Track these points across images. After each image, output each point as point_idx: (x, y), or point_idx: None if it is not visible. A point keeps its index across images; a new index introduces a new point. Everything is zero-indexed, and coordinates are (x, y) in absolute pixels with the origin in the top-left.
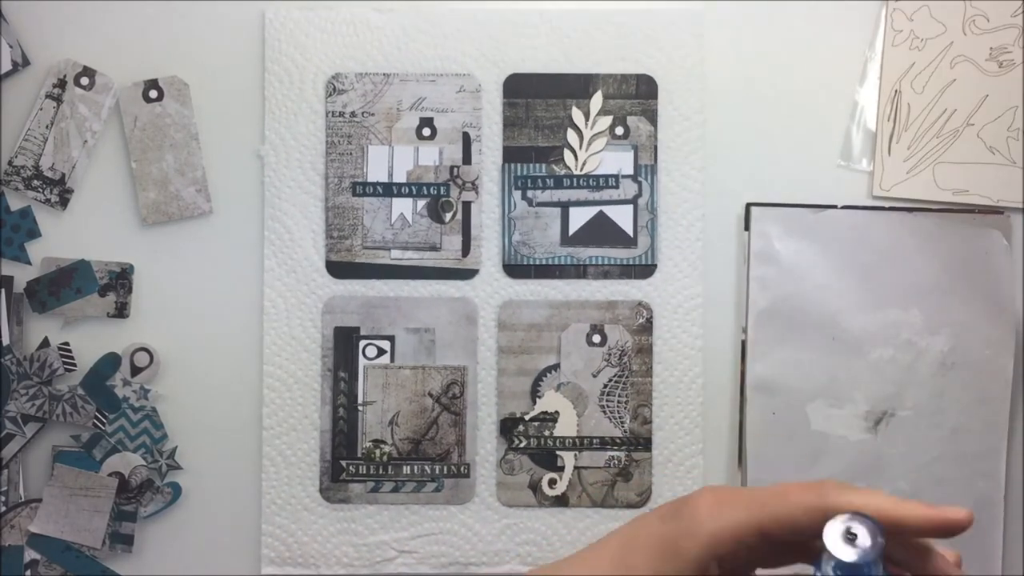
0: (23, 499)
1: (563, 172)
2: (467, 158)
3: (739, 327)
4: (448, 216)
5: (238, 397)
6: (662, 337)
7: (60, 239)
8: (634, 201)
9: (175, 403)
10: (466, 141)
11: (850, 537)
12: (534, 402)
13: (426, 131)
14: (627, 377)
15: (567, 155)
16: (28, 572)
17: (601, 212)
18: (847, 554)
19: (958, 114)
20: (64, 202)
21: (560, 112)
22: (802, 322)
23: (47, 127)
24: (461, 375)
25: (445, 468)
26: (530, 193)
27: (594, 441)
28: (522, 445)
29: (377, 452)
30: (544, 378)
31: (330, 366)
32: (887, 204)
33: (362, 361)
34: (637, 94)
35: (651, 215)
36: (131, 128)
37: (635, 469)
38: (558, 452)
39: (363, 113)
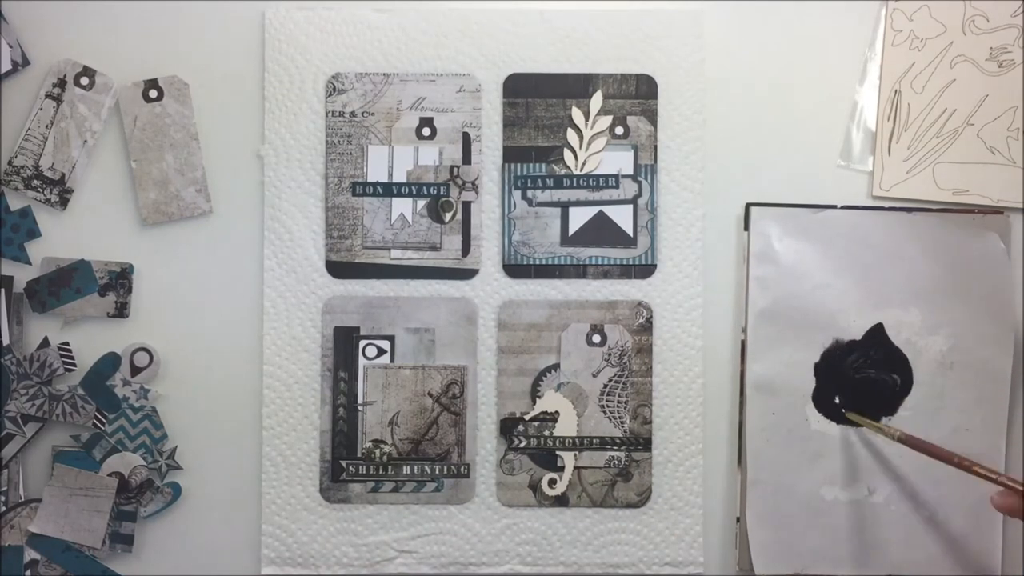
0: (23, 499)
1: (563, 172)
2: (467, 158)
3: (739, 327)
4: (448, 216)
5: (238, 397)
6: (662, 337)
7: (60, 239)
8: (634, 201)
9: (175, 403)
10: (466, 141)
11: None
12: (534, 402)
13: (426, 131)
14: (627, 377)
15: (567, 155)
16: (28, 572)
17: (601, 212)
18: None
19: (958, 114)
20: (64, 202)
21: (560, 112)
22: (802, 322)
23: (47, 127)
24: (461, 375)
25: (445, 468)
26: (530, 193)
27: (594, 441)
28: (522, 445)
29: (377, 452)
30: (544, 378)
31: (330, 366)
32: (887, 204)
33: (362, 361)
34: (637, 94)
35: (651, 215)
36: (131, 128)
37: (635, 469)
38: (558, 452)
39: (363, 113)
